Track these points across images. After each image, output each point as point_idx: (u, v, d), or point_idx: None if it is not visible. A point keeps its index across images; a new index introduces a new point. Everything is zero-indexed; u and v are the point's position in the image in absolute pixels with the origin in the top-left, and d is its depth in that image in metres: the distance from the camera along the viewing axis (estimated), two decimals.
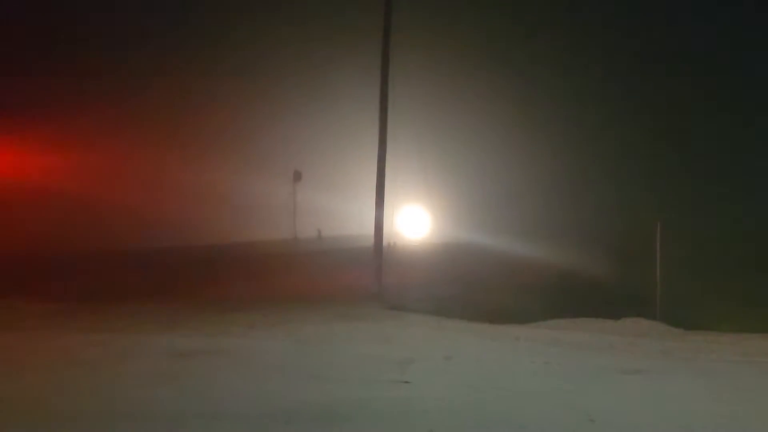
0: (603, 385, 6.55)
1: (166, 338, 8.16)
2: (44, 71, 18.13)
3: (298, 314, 10.64)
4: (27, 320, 9.50)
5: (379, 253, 13.61)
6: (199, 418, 5.37)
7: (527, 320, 10.49)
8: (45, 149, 17.69)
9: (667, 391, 6.36)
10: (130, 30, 19.94)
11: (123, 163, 20.26)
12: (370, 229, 13.90)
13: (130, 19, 20.10)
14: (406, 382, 6.46)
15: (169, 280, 14.44)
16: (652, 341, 8.88)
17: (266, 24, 22.81)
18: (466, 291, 14.24)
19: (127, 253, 18.22)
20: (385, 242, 14.16)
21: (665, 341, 8.94)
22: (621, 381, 6.66)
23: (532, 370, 7.03)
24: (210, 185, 22.17)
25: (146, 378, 6.45)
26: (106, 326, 8.99)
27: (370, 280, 13.41)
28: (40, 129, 17.23)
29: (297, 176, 22.24)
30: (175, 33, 21.02)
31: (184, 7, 21.19)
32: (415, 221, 21.31)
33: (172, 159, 21.20)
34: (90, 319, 9.60)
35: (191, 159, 21.64)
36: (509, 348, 8.20)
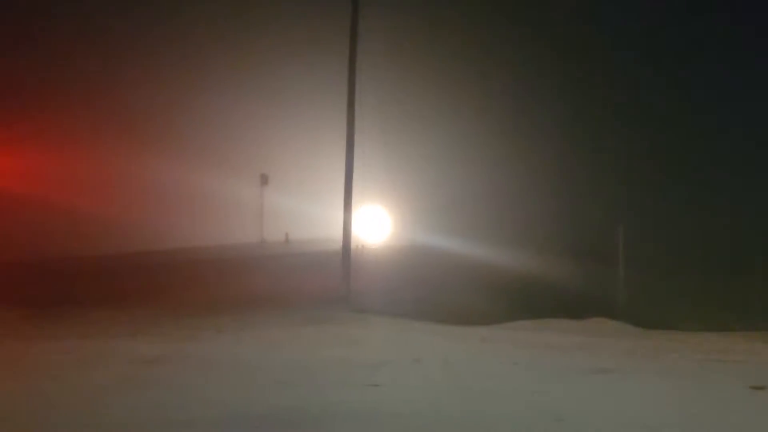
0: (570, 385, 6.64)
1: (134, 344, 7.97)
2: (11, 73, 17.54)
3: (266, 318, 10.53)
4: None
5: (346, 256, 13.57)
6: (167, 425, 5.24)
7: (493, 321, 10.60)
8: (13, 154, 17.17)
9: (633, 390, 6.48)
10: (98, 30, 19.44)
11: (89, 168, 19.73)
12: (337, 232, 13.85)
13: (100, 18, 19.60)
14: (376, 385, 6.43)
15: (136, 285, 14.11)
16: (616, 341, 9.06)
17: (233, 26, 22.58)
18: (433, 293, 14.31)
19: (94, 259, 17.74)
20: (353, 245, 14.12)
21: (629, 341, 9.13)
22: (587, 381, 6.76)
23: (499, 371, 7.09)
24: (176, 188, 21.78)
25: (113, 385, 6.29)
26: (75, 333, 8.75)
27: (338, 284, 13.36)
28: (10, 133, 16.73)
29: (264, 179, 22.03)
30: (142, 34, 20.61)
31: (153, 9, 20.81)
32: (378, 224, 21.34)
33: (138, 162, 20.74)
34: (59, 325, 9.32)
35: (157, 162, 21.22)
36: (477, 349, 8.27)
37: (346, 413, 5.62)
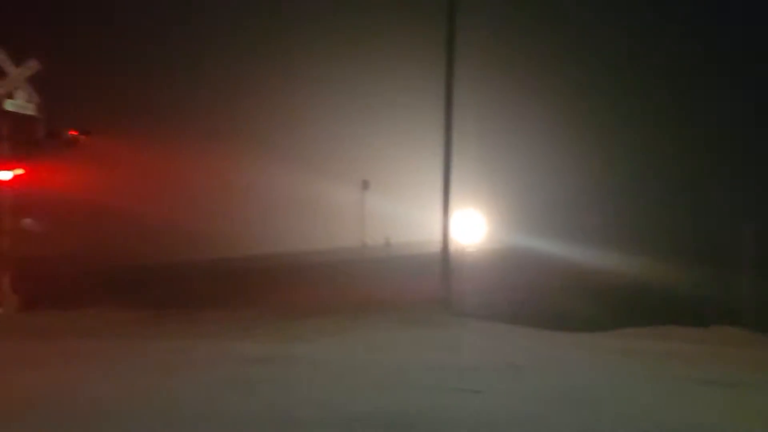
0: (686, 398, 6.16)
1: (244, 345, 8.39)
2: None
3: (367, 321, 10.69)
4: (114, 328, 10.04)
5: (446, 259, 13.48)
6: (271, 423, 5.47)
7: (602, 328, 10.07)
8: (113, 163, 18.45)
9: (758, 405, 5.90)
10: (199, 35, 20.60)
11: (195, 175, 21.02)
12: (436, 235, 13.82)
13: (198, 23, 20.77)
14: (476, 391, 6.33)
15: (241, 288, 14.89)
16: (742, 351, 8.31)
17: (332, 33, 23.21)
18: (536, 298, 13.87)
19: (202, 263, 18.93)
20: (453, 247, 14.02)
21: (758, 351, 8.33)
22: (707, 394, 6.25)
23: (610, 382, 6.72)
24: (280, 194, 22.73)
25: (227, 383, 6.63)
26: (188, 333, 9.37)
27: (438, 287, 13.30)
28: (116, 141, 18.07)
29: (365, 184, 22.45)
30: (246, 40, 21.64)
31: (253, 14, 21.78)
32: (475, 226, 21.04)
33: (242, 169, 21.86)
34: (170, 327, 10.03)
35: (261, 168, 22.24)
36: (585, 357, 7.89)
37: (446, 419, 5.57)
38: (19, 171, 11.91)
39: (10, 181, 11.87)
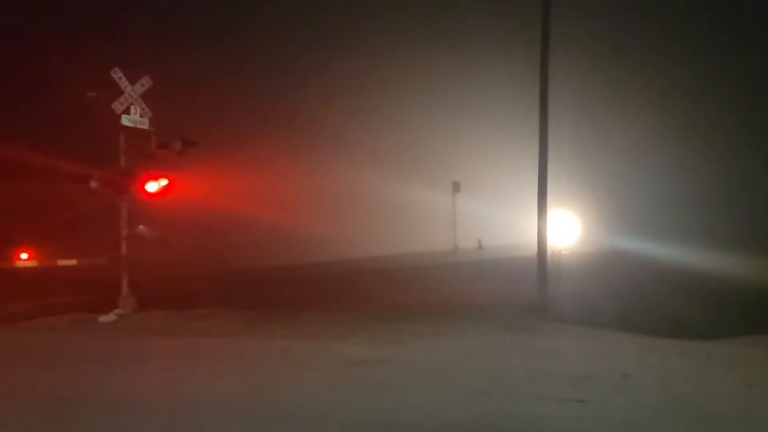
0: None
1: (342, 346, 8.59)
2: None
3: (461, 325, 10.58)
4: (222, 327, 10.59)
5: (542, 262, 13.09)
6: (371, 426, 5.55)
7: (717, 336, 9.36)
8: (223, 172, 19.36)
9: None
10: (296, 39, 21.27)
11: (293, 183, 21.78)
12: (529, 237, 13.47)
13: (297, 29, 21.44)
14: (580, 401, 6.09)
15: (340, 290, 15.27)
16: None
17: (426, 33, 23.28)
18: (639, 302, 13.14)
19: (301, 267, 19.60)
20: (549, 250, 13.60)
21: None
22: None
23: (729, 394, 6.24)
24: (374, 198, 23.07)
25: (322, 384, 6.82)
26: (290, 334, 9.71)
27: (534, 291, 12.92)
28: (223, 158, 18.98)
29: (456, 187, 22.31)
30: (340, 46, 22.16)
31: (351, 20, 22.25)
32: (571, 229, 20.29)
33: (337, 175, 22.39)
34: (272, 327, 10.43)
35: (355, 174, 22.69)
36: (699, 367, 7.37)
37: (547, 430, 5.42)
38: (164, 182, 12.62)
39: (157, 192, 12.58)
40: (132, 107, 12.92)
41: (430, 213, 25.01)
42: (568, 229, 20.74)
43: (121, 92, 12.82)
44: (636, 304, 12.86)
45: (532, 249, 13.34)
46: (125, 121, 12.84)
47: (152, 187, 12.53)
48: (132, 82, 12.92)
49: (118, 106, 12.77)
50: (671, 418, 5.58)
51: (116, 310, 12.24)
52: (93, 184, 12.57)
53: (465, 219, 24.46)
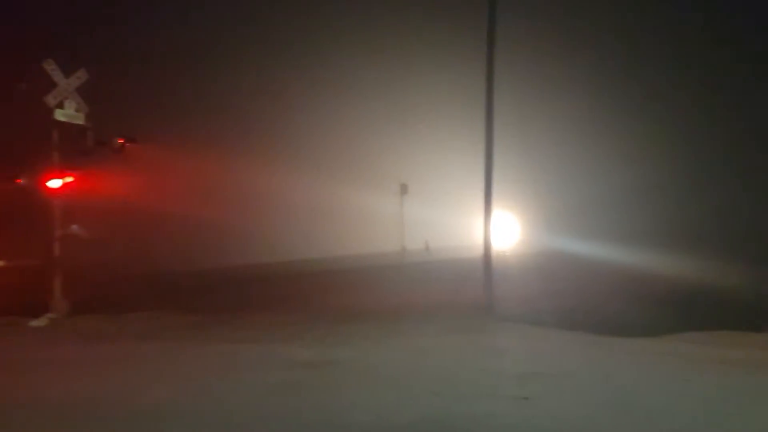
0: (759, 407, 5.88)
1: (291, 349, 8.43)
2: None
3: (410, 326, 10.62)
4: (161, 331, 10.22)
5: (489, 263, 13.30)
6: (320, 429, 5.46)
7: (654, 333, 9.75)
8: (159, 170, 18.70)
9: None
10: (236, 39, 20.79)
11: (235, 182, 21.28)
12: (475, 239, 13.69)
13: (235, 29, 20.97)
14: (526, 398, 6.19)
15: (286, 292, 15.03)
16: None
17: (370, 34, 23.27)
18: (581, 302, 13.55)
19: (245, 268, 19.17)
20: (494, 252, 13.84)
21: None
22: (765, 402, 5.96)
23: (668, 389, 6.47)
24: (319, 199, 22.88)
25: (269, 388, 6.66)
26: (236, 337, 9.47)
27: (480, 292, 13.12)
28: (165, 155, 18.36)
29: (403, 188, 22.40)
30: (278, 43, 21.84)
31: (290, 19, 21.97)
32: (511, 230, 20.73)
33: (281, 175, 22.08)
34: (216, 330, 10.15)
35: (301, 174, 22.45)
36: (639, 363, 7.64)
37: (496, 426, 5.46)
38: (69, 179, 12.20)
39: (59, 188, 12.17)
40: (66, 101, 12.34)
41: (378, 214, 25.05)
42: (511, 230, 21.15)
43: (54, 85, 12.23)
44: (578, 304, 13.23)
45: (478, 250, 13.55)
46: (59, 115, 12.26)
47: (55, 183, 12.06)
48: (67, 75, 12.35)
49: (51, 99, 12.18)
50: (613, 413, 5.73)
51: (48, 314, 11.66)
52: (22, 181, 11.96)
53: (412, 220, 24.60)
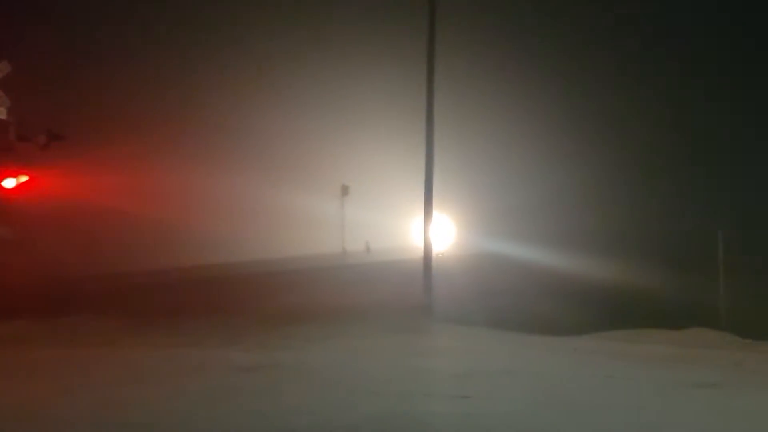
0: (671, 399, 6.29)
1: (227, 353, 8.30)
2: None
3: (350, 328, 10.67)
4: (95, 336, 9.81)
5: (428, 265, 13.53)
6: None
7: (584, 332, 10.23)
8: (90, 168, 17.95)
9: (746, 405, 6.05)
10: (157, 39, 20.14)
11: (174, 184, 20.62)
12: (416, 241, 13.91)
13: (156, 27, 20.30)
14: (465, 396, 6.36)
15: (221, 295, 14.71)
16: (721, 353, 8.52)
17: (310, 36, 23.10)
18: (517, 302, 13.98)
19: (182, 270, 18.60)
20: (433, 253, 14.09)
21: (735, 352, 8.55)
22: (690, 395, 6.38)
23: (594, 384, 6.82)
24: (258, 201, 22.52)
25: (212, 393, 6.54)
26: (171, 342, 9.21)
27: (420, 293, 13.33)
28: (96, 153, 17.62)
29: (344, 190, 22.39)
30: (209, 42, 21.34)
31: (230, 16, 21.50)
32: (449, 232, 21.11)
33: (220, 177, 21.60)
34: (152, 334, 9.85)
35: (238, 175, 22.03)
36: (569, 361, 8.00)
37: (436, 425, 5.59)
38: (24, 178, 11.45)
39: (13, 189, 11.40)
40: None
41: (318, 216, 24.92)
42: (449, 232, 21.50)
43: None
44: (516, 304, 13.64)
45: (418, 252, 13.76)
46: None
47: (9, 183, 11.40)
48: None
49: None
50: (545, 409, 5.98)
51: None
52: None
53: (353, 222, 24.62)
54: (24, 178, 11.50)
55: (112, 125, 18.65)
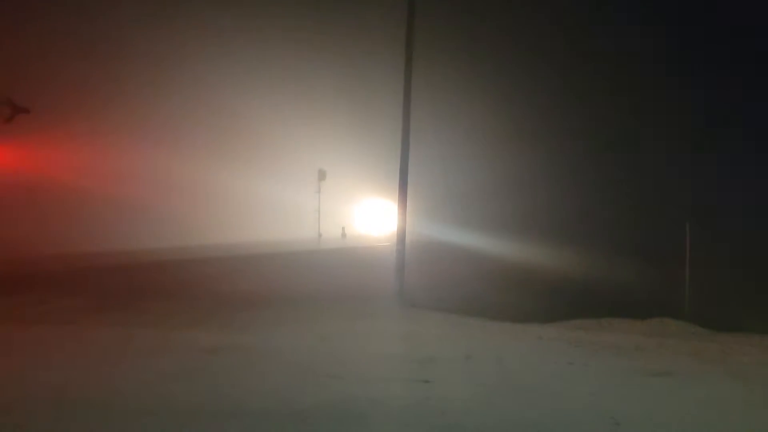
0: (629, 387, 6.38)
1: (194, 334, 8.21)
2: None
3: (321, 311, 10.64)
4: (52, 315, 9.63)
5: (401, 250, 13.53)
6: (215, 415, 5.37)
7: (549, 320, 10.32)
8: (66, 149, 17.58)
9: (698, 394, 6.16)
10: (140, 28, 19.71)
11: (149, 165, 20.27)
12: (389, 226, 13.91)
13: (141, 17, 19.86)
14: (426, 381, 6.38)
15: (193, 277, 14.56)
16: (680, 342, 8.64)
17: (289, 22, 22.85)
18: (488, 290, 14.05)
19: (153, 252, 18.38)
20: (407, 239, 14.08)
21: (694, 342, 8.69)
22: (648, 383, 6.48)
23: (555, 371, 6.89)
24: (232, 184, 22.32)
25: (173, 374, 6.48)
26: (136, 322, 9.08)
27: (391, 278, 13.33)
28: (63, 129, 17.19)
29: (322, 175, 22.27)
30: (193, 30, 20.99)
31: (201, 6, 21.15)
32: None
33: (196, 159, 21.34)
34: (120, 315, 9.71)
35: (215, 158, 21.80)
36: (531, 348, 8.06)
37: (395, 408, 5.60)
38: None
39: None
40: None
41: (295, 201, 24.83)
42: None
43: None
44: (485, 292, 13.71)
45: (392, 237, 13.76)
46: None
47: None
48: None
49: None
50: (505, 394, 6.03)
51: None
52: None
53: (330, 207, 24.59)
54: None
55: (81, 100, 18.22)
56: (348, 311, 10.55)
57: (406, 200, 13.92)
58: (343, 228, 24.74)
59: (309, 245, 22.25)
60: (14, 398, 5.70)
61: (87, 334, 8.29)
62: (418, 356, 7.33)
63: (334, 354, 7.56)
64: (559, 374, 6.75)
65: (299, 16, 22.27)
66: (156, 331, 8.48)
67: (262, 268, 17.11)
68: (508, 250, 17.75)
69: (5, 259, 14.32)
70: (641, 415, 5.50)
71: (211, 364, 6.87)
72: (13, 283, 12.45)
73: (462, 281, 14.80)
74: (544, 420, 5.30)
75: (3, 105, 11.94)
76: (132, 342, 7.86)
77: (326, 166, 22.56)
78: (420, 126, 14.28)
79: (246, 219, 22.57)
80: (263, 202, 23.47)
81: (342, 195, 24.34)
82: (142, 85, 19.75)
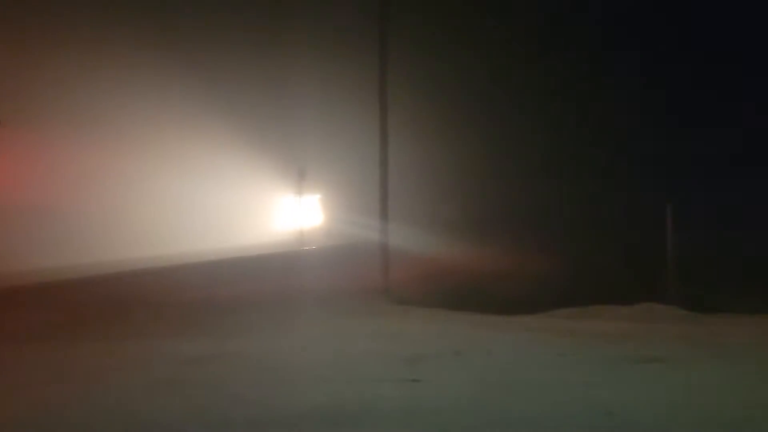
0: (621, 375, 6.35)
1: (178, 344, 7.99)
2: None
3: (305, 313, 10.51)
4: (34, 330, 9.29)
5: (386, 247, 13.43)
6: (203, 427, 5.21)
7: (537, 310, 10.30)
8: (24, 157, 17.07)
9: (690, 379, 6.14)
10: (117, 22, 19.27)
11: (110, 172, 19.74)
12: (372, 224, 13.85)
13: (120, 14, 19.44)
14: (416, 380, 6.28)
15: (172, 284, 14.26)
16: (668, 327, 8.66)
17: (266, 21, 22.60)
18: (474, 283, 14.04)
19: (131, 262, 17.96)
20: (389, 237, 13.98)
21: (682, 327, 8.71)
22: (638, 371, 6.45)
23: (545, 362, 6.84)
24: (211, 183, 22.02)
25: (156, 386, 6.28)
26: (115, 334, 8.83)
27: (377, 275, 13.23)
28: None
29: (301, 173, 22.06)
30: (172, 30, 20.62)
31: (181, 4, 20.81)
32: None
33: (171, 160, 20.98)
34: (94, 328, 9.44)
35: (191, 157, 21.49)
36: (520, 340, 8.01)
37: (385, 410, 5.49)
38: None
39: None
40: None
41: (276, 200, 24.59)
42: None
43: None
44: (471, 285, 13.70)
45: (376, 235, 13.66)
46: None
47: None
48: None
49: None
50: (496, 389, 5.95)
51: None
52: None
53: (311, 205, 24.38)
54: None
55: (52, 112, 17.75)
56: (335, 311, 10.47)
57: (387, 197, 13.82)
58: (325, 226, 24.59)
59: (291, 245, 22.05)
60: None
61: (64, 350, 8.00)
62: (406, 354, 7.23)
63: (323, 356, 7.45)
64: (550, 366, 6.69)
65: (277, 15, 22.05)
66: (137, 343, 8.24)
67: (245, 271, 16.87)
68: (497, 241, 17.85)
69: None
70: (634, 403, 5.46)
71: (192, 375, 6.68)
72: None
73: (450, 275, 14.80)
74: (538, 415, 5.22)
75: None
76: (112, 355, 7.63)
77: (309, 165, 22.33)
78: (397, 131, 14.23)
79: (225, 221, 22.28)
80: (244, 203, 23.23)
81: (325, 192, 24.20)
82: (111, 90, 19.31)
